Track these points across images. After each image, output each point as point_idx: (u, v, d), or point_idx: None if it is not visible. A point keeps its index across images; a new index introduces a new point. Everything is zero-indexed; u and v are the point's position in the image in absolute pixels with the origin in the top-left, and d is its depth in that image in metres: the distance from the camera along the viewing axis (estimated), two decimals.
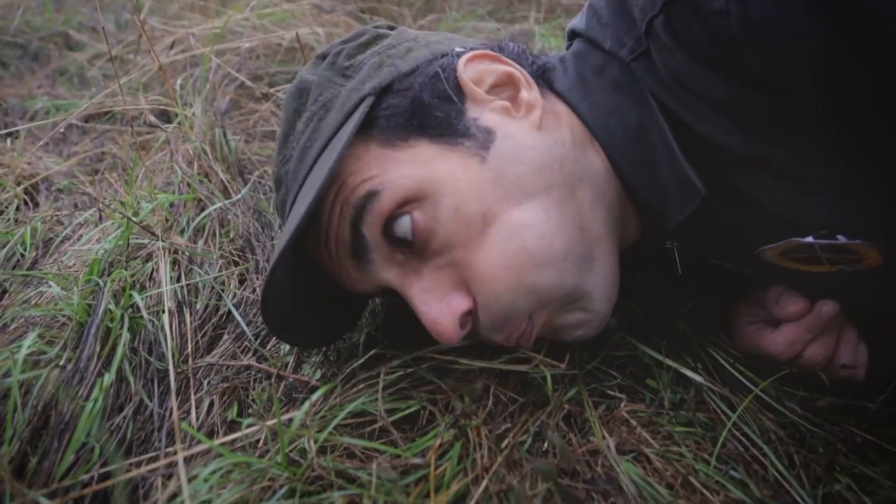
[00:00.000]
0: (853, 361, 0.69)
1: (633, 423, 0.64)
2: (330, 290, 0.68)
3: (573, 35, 0.68)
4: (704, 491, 0.57)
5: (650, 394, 0.70)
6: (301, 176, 0.61)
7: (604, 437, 0.60)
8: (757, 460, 0.64)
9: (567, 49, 0.70)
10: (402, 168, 0.58)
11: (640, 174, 0.62)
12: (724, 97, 0.53)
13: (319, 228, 0.62)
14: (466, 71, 0.62)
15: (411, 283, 0.61)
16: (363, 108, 0.59)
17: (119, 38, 2.01)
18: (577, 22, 0.67)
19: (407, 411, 0.65)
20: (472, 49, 0.65)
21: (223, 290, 0.84)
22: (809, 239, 0.59)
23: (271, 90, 1.24)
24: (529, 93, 0.63)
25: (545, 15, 1.90)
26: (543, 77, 0.67)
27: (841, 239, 0.58)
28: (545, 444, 0.61)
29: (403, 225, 0.58)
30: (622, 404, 0.67)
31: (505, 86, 0.64)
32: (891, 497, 0.61)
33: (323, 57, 0.67)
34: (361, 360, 0.74)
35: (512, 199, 0.58)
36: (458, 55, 0.63)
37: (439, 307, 0.59)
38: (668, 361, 0.71)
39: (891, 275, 0.62)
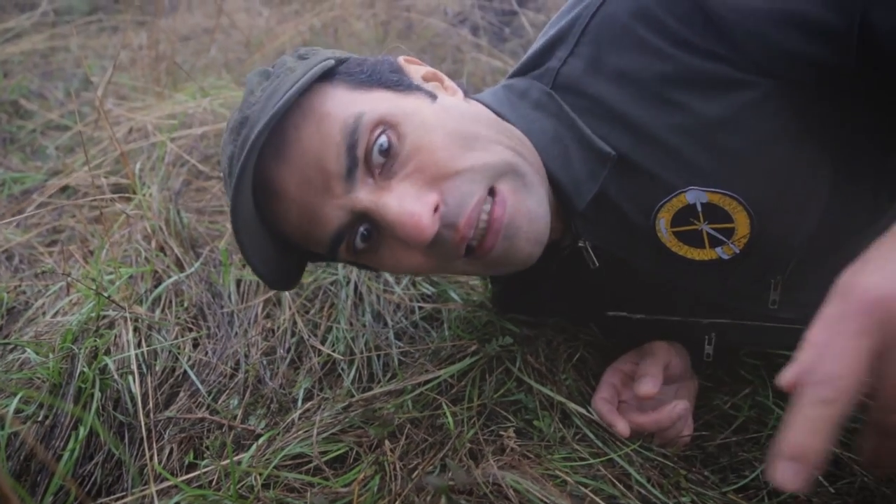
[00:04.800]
0: (689, 432, 0.88)
1: (520, 451, 0.80)
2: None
3: (510, 77, 0.87)
4: (578, 490, 0.73)
5: (537, 433, 0.86)
6: (270, 107, 0.66)
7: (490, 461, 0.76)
8: (622, 480, 0.81)
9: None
10: (371, 103, 0.70)
11: (557, 161, 0.77)
12: (664, 71, 0.70)
13: (301, 152, 0.69)
14: (403, 63, 0.80)
15: (384, 195, 0.69)
16: (325, 65, 0.71)
17: (70, 109, 2.10)
18: (515, 67, 0.87)
19: (336, 452, 0.80)
20: None
21: (179, 354, 0.97)
22: (691, 195, 0.73)
23: (219, 172, 1.39)
24: (452, 85, 0.81)
25: None
26: (467, 94, 0.82)
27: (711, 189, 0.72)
28: (449, 474, 0.76)
29: (381, 142, 0.68)
30: (513, 441, 0.83)
31: (432, 80, 0.80)
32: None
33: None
34: (299, 412, 0.88)
35: (458, 120, 0.73)
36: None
37: (414, 204, 0.67)
38: (559, 397, 0.88)
39: (758, 259, 0.77)
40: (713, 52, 0.68)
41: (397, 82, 0.76)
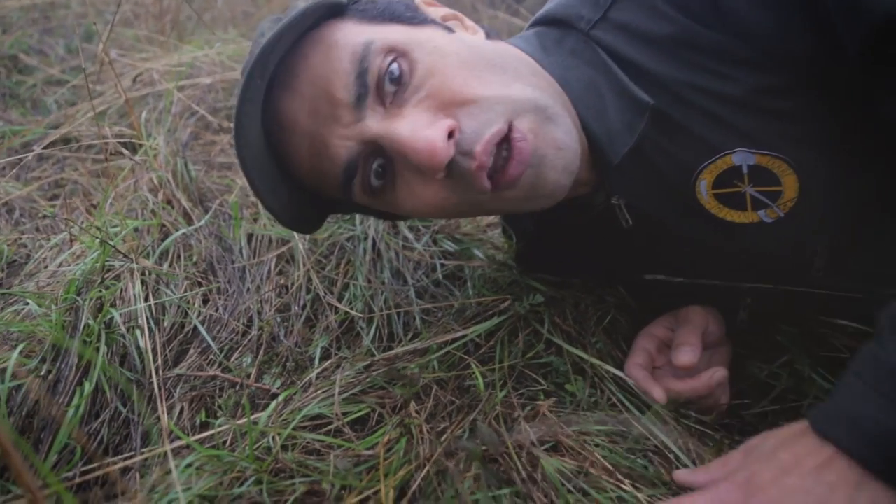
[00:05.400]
0: (726, 400, 0.84)
1: (553, 419, 0.75)
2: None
3: (534, 24, 0.82)
4: (611, 468, 0.68)
5: (570, 397, 0.81)
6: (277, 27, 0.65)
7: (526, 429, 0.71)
8: (660, 451, 0.76)
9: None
10: (385, 32, 0.68)
11: (591, 111, 0.73)
12: (671, 33, 0.67)
13: (310, 80, 0.67)
14: (421, 3, 0.77)
15: (396, 122, 0.66)
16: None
17: (71, 64, 2.04)
18: (540, 12, 0.82)
19: (358, 413, 0.75)
20: None
21: (189, 309, 0.92)
22: (738, 157, 0.70)
23: (229, 123, 1.33)
24: (473, 25, 0.77)
25: None
26: (490, 36, 0.79)
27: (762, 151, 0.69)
28: (478, 439, 0.71)
29: (392, 69, 0.66)
30: (546, 407, 0.78)
31: (452, 19, 0.77)
32: None
33: None
34: (317, 371, 0.83)
35: (475, 52, 0.69)
36: None
37: (427, 129, 0.63)
38: (593, 360, 0.84)
39: (802, 223, 0.73)
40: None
41: (411, 17, 0.73)
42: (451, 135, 0.64)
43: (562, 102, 0.71)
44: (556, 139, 0.67)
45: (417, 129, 0.64)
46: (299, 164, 0.72)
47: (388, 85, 0.66)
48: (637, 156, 0.73)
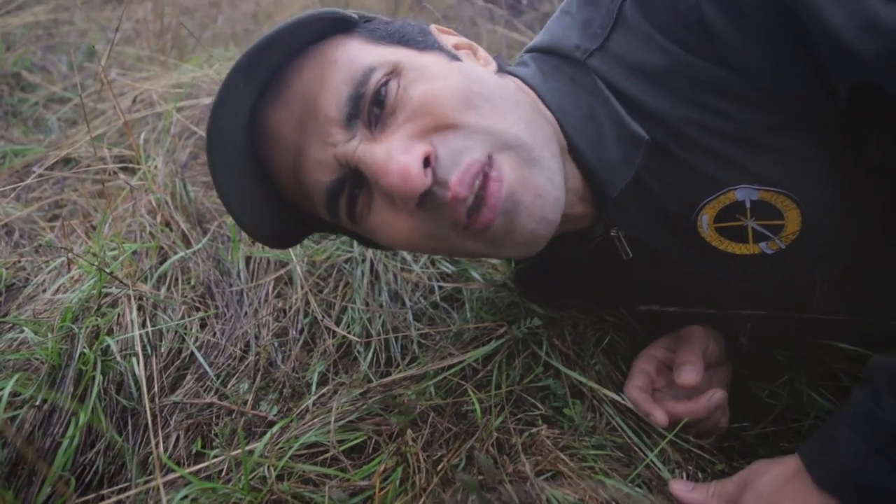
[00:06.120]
0: (726, 423, 0.84)
1: (552, 446, 0.75)
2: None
3: (529, 51, 0.82)
4: (611, 500, 0.68)
5: (567, 422, 0.81)
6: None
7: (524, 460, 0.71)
8: (659, 479, 0.76)
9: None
10: (387, 54, 0.67)
11: (588, 142, 0.71)
12: (667, 65, 0.66)
13: (299, 95, 0.66)
14: (435, 30, 0.76)
15: (374, 146, 0.63)
16: (343, 11, 0.68)
17: (73, 82, 2.04)
18: (534, 42, 0.81)
19: (354, 441, 0.75)
20: None
21: (186, 334, 0.92)
22: (741, 192, 0.69)
23: None
24: (485, 55, 0.76)
25: None
26: (501, 69, 0.78)
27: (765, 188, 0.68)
28: (475, 468, 0.71)
29: (381, 91, 0.64)
30: (543, 431, 0.78)
31: (465, 48, 0.76)
32: None
33: None
34: (314, 397, 0.83)
35: (470, 81, 0.66)
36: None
37: (401, 154, 0.61)
38: (591, 383, 0.83)
39: (804, 254, 0.72)
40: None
41: (420, 42, 0.71)
42: (427, 162, 0.61)
43: (552, 147, 0.68)
44: (536, 185, 0.64)
45: (392, 153, 0.61)
46: (283, 177, 0.70)
47: (374, 108, 0.65)
48: (637, 188, 0.72)
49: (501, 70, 0.77)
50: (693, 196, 0.71)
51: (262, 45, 0.62)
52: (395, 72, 0.65)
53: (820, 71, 0.60)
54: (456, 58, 0.72)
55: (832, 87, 0.60)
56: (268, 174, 0.71)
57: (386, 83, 0.64)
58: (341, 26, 0.69)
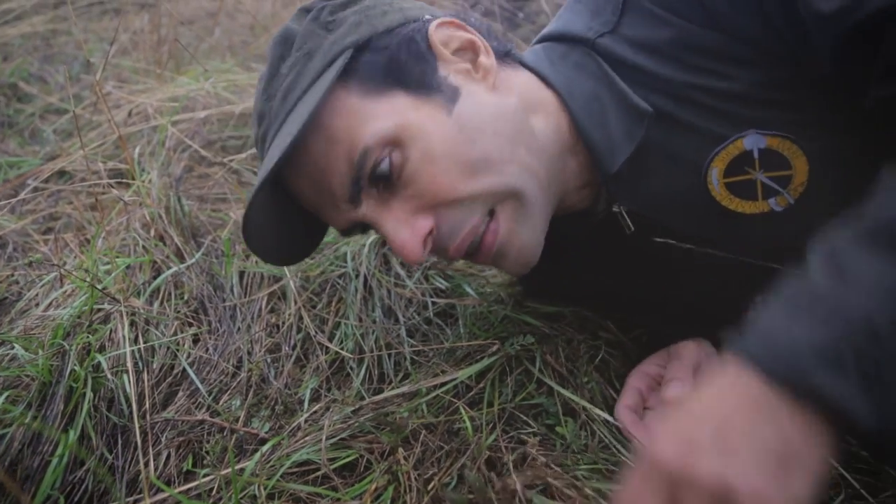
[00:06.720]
0: None
1: (542, 462, 0.74)
2: (300, 214, 0.80)
3: (540, 41, 0.85)
4: None
5: (560, 440, 0.80)
6: (283, 113, 0.71)
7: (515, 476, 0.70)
8: None
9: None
10: (381, 119, 0.69)
11: (593, 121, 0.76)
12: (670, 37, 0.70)
13: (309, 170, 0.73)
14: (436, 34, 0.75)
15: (384, 215, 0.72)
16: (343, 59, 0.70)
17: (70, 92, 2.05)
18: (545, 31, 0.84)
19: (346, 459, 0.74)
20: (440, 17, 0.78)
21: (178, 350, 0.91)
22: (749, 140, 0.71)
23: (224, 159, 1.33)
24: (487, 59, 0.76)
25: None
26: (509, 55, 0.81)
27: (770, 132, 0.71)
28: (466, 487, 0.70)
29: (383, 168, 0.70)
30: (535, 449, 0.77)
31: (467, 50, 0.76)
32: None
33: (307, 10, 0.77)
34: (306, 414, 0.82)
35: (469, 142, 0.71)
36: (428, 21, 0.76)
37: (406, 233, 0.71)
38: (584, 402, 0.83)
39: (812, 209, 0.72)
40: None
41: (419, 80, 0.72)
42: (430, 232, 0.71)
43: (540, 180, 0.75)
44: (521, 241, 0.75)
45: (398, 228, 0.71)
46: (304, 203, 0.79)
47: (379, 178, 0.71)
48: (641, 161, 0.75)
49: (509, 56, 0.81)
50: (702, 153, 0.74)
51: (281, 159, 0.66)
52: (394, 142, 0.69)
53: (802, 34, 0.64)
54: (454, 96, 0.72)
55: (815, 47, 0.63)
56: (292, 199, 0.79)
57: (388, 156, 0.70)
58: (343, 70, 0.70)
